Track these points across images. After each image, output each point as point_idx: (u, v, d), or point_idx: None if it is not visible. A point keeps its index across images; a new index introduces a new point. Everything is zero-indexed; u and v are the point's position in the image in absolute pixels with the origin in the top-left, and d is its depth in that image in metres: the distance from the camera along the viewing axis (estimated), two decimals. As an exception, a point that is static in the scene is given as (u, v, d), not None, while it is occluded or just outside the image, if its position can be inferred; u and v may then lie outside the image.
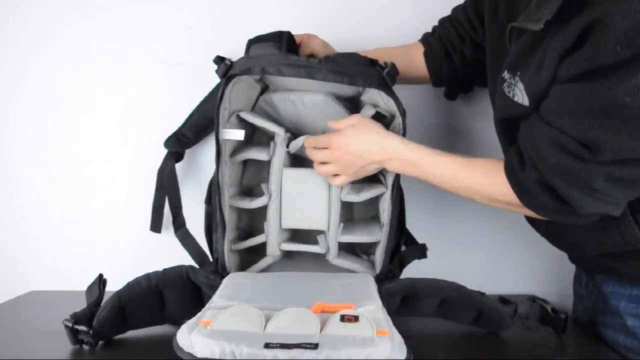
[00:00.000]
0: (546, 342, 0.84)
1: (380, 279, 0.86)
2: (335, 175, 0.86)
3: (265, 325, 0.65)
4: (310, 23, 1.03)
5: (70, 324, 0.75)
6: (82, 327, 0.75)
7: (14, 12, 1.06)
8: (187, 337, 0.62)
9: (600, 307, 0.86)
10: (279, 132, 0.88)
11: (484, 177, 0.74)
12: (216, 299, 0.73)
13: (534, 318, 0.87)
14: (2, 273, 1.12)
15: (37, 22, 1.06)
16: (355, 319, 0.66)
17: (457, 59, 0.95)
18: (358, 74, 0.80)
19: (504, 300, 0.86)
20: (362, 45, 0.98)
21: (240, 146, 0.92)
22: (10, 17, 1.06)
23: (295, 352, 0.59)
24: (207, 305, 0.71)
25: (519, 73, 0.68)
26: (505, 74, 0.71)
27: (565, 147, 0.61)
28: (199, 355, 0.61)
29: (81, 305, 0.79)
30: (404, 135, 0.84)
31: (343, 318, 0.66)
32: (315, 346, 0.60)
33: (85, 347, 0.77)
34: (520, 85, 0.67)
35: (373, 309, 0.70)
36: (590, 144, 0.59)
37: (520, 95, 0.68)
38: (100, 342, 0.78)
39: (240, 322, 0.65)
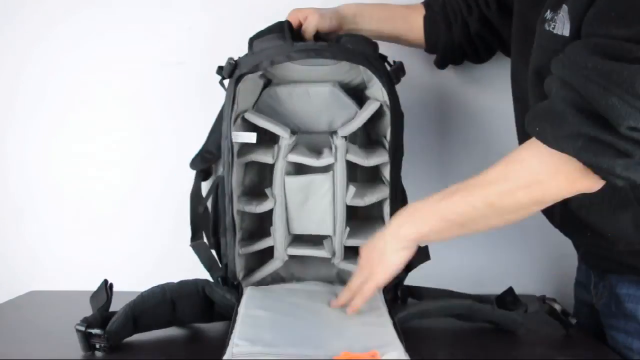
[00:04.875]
0: (547, 342, 0.84)
1: (391, 303, 0.85)
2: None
3: None
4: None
5: (82, 328, 0.72)
6: (96, 331, 0.72)
7: (15, 12, 1.06)
8: None
9: (612, 310, 0.82)
10: (284, 135, 0.87)
11: (504, 179, 0.66)
12: (238, 342, 0.69)
13: (542, 319, 0.87)
14: (2, 273, 1.11)
15: (38, 22, 1.06)
16: None
17: (457, 30, 0.92)
18: (365, 57, 0.81)
19: (515, 299, 0.85)
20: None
21: (246, 147, 0.91)
22: (11, 17, 1.06)
23: None
24: (230, 344, 0.68)
25: (563, 5, 0.64)
26: (548, 14, 0.67)
27: (605, 50, 0.56)
28: None
29: (81, 305, 0.78)
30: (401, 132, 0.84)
31: None
32: None
33: (98, 353, 0.74)
34: (565, 8, 0.63)
35: (397, 355, 0.69)
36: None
37: (561, 25, 0.63)
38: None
39: None
